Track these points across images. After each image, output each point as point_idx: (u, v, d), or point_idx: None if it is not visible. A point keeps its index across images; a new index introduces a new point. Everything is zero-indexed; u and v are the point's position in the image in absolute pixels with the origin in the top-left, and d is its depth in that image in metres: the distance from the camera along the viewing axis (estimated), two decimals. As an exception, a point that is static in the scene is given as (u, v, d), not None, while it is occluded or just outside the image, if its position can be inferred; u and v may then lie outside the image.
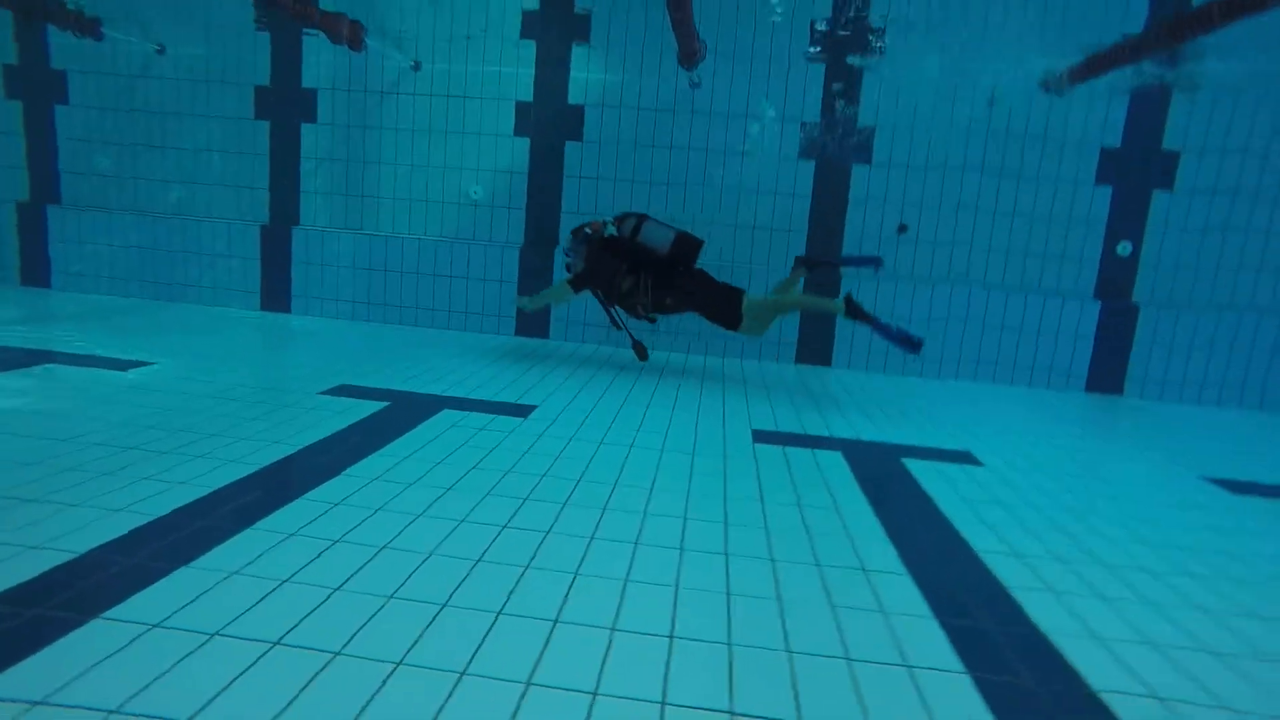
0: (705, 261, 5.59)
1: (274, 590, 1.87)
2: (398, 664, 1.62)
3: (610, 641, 1.79)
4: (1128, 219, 5.59)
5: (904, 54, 5.62)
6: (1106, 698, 1.72)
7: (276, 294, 6.32)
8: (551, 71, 5.86)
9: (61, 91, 6.39)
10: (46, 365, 4.01)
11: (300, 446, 2.99)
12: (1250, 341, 5.52)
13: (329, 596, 1.86)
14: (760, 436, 3.77)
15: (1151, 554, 2.63)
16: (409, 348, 5.30)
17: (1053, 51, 5.41)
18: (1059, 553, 2.58)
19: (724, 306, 4.77)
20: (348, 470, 2.76)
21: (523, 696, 1.56)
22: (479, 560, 2.14)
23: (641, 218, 4.85)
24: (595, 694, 1.59)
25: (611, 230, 4.87)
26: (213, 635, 1.67)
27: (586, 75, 5.84)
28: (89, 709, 1.42)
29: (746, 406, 4.38)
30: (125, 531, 2.13)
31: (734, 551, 2.38)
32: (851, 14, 5.60)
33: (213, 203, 6.39)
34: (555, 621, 1.85)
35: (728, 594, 2.09)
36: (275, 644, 1.65)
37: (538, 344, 5.88)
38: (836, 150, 5.77)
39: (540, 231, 6.05)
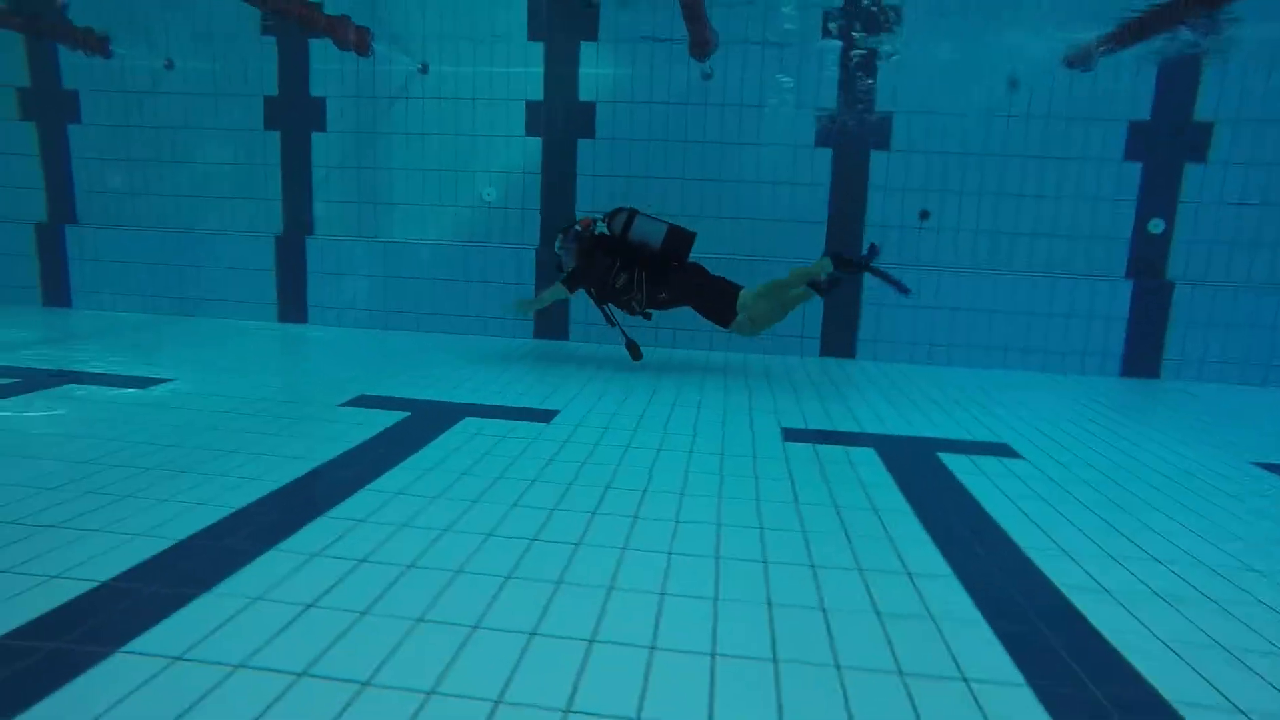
0: (723, 256, 5.50)
1: (298, 616, 1.81)
2: (429, 694, 1.54)
3: (650, 662, 1.70)
4: (1159, 195, 5.42)
5: (921, 36, 5.48)
6: (1186, 711, 1.61)
7: (293, 305, 6.30)
8: (561, 69, 5.78)
9: (74, 111, 6.40)
10: (68, 385, 3.99)
11: (321, 461, 2.93)
12: (1292, 318, 5.33)
13: (355, 622, 1.79)
14: (790, 435, 3.67)
15: (1209, 549, 2.51)
16: (427, 354, 5.24)
17: (1076, 25, 5.24)
18: (1112, 550, 2.46)
19: (718, 301, 4.70)
20: (370, 485, 2.69)
21: (561, 725, 1.48)
22: (509, 577, 2.06)
23: (632, 213, 4.77)
24: (637, 720, 1.51)
25: (602, 227, 4.79)
26: (236, 668, 1.60)
27: (596, 71, 5.75)
28: (110, 752, 1.36)
29: (774, 403, 4.28)
30: (146, 558, 2.08)
31: (772, 559, 2.28)
32: (865, -3, 5.47)
33: (226, 216, 6.37)
34: (591, 641, 1.77)
35: (769, 604, 2.00)
36: (301, 675, 1.58)
37: (557, 346, 5.80)
38: (854, 137, 5.64)
39: (555, 231, 5.97)
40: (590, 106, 5.78)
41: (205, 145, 6.32)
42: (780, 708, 1.56)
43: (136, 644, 1.67)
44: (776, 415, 4.04)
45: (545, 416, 3.74)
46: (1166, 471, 3.36)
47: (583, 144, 5.83)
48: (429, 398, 4.01)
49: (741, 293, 4.68)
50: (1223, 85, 5.25)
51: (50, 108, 6.41)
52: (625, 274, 4.77)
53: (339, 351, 5.32)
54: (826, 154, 5.69)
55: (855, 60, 5.56)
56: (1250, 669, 1.78)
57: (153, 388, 4.01)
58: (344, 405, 3.79)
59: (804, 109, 5.64)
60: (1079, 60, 5.31)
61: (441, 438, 3.30)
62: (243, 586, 1.93)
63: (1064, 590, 2.15)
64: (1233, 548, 2.52)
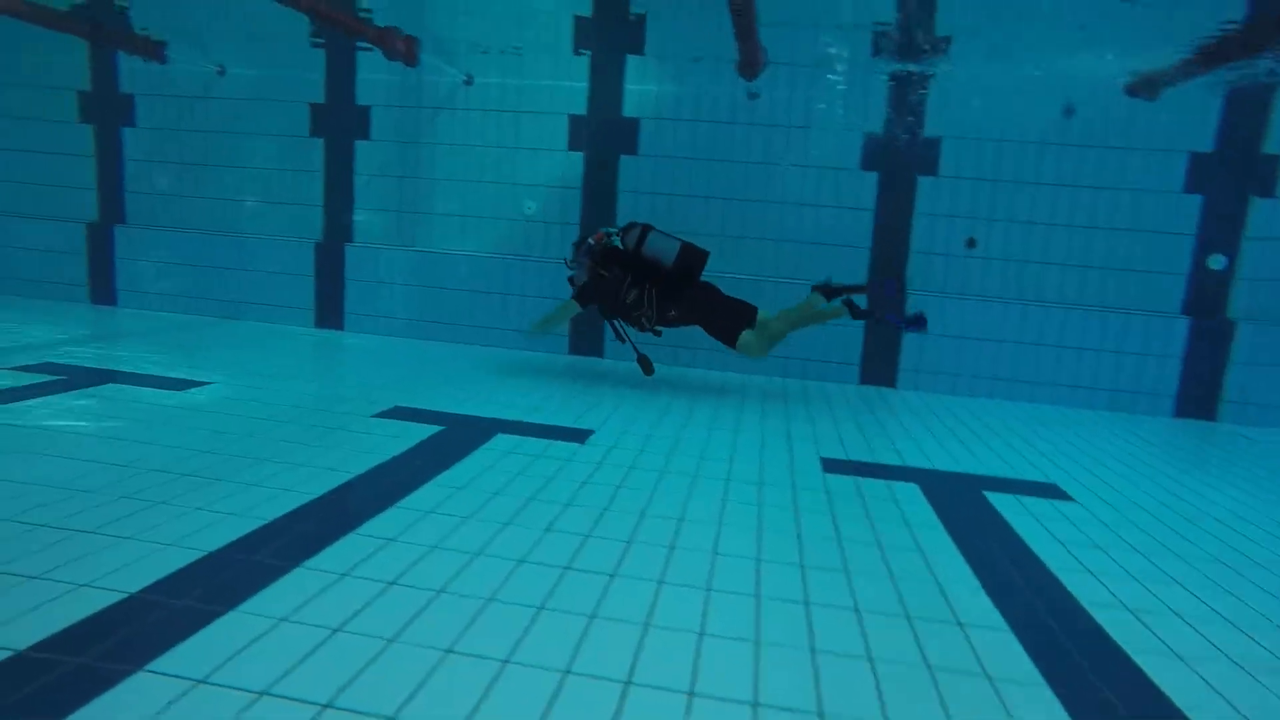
0: (764, 278, 5.43)
1: (325, 641, 1.75)
2: (458, 734, 1.47)
3: (689, 709, 1.61)
4: (1221, 229, 5.22)
5: (972, 61, 5.36)
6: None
7: (329, 311, 6.33)
8: (605, 84, 5.76)
9: (129, 114, 6.53)
10: (111, 385, 4.02)
11: (353, 474, 2.89)
12: (1360, 363, 5.09)
13: (383, 650, 1.73)
14: (830, 465, 3.56)
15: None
16: (462, 367, 5.22)
17: (1141, 51, 5.08)
18: (1179, 608, 2.31)
19: (726, 322, 4.64)
20: (401, 502, 2.64)
21: (595, 777, 1.39)
22: (541, 608, 1.99)
23: (646, 228, 4.71)
24: (676, 776, 1.42)
25: (615, 241, 4.73)
26: (260, 695, 1.54)
27: (641, 87, 5.72)
28: (128, 782, 1.30)
29: (812, 431, 4.17)
30: (175, 569, 2.04)
31: (814, 600, 2.18)
32: (917, 21, 5.37)
33: (268, 220, 6.44)
34: (627, 683, 1.68)
35: (812, 650, 1.90)
36: (325, 707, 1.52)
37: (591, 363, 5.75)
38: (901, 161, 5.53)
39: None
40: (634, 122, 5.75)
41: (251, 150, 6.40)
42: (829, 770, 1.46)
43: (160, 663, 1.62)
44: (815, 444, 3.93)
45: (579, 436, 3.67)
46: (1231, 522, 3.19)
47: (625, 160, 5.80)
48: (463, 412, 3.97)
49: (742, 336, 4.62)
50: (1295, 117, 5.05)
51: (108, 111, 6.56)
52: (636, 290, 4.71)
53: (374, 360, 5.32)
54: (872, 178, 5.58)
55: (904, 84, 5.46)
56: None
57: (191, 390, 4.02)
58: (378, 416, 3.76)
59: (851, 131, 5.55)
60: (1143, 88, 5.14)
61: (474, 454, 3.25)
62: (270, 606, 1.88)
63: (1132, 654, 2.02)
64: (1309, 611, 2.36)
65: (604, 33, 5.72)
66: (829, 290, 4.78)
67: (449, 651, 1.75)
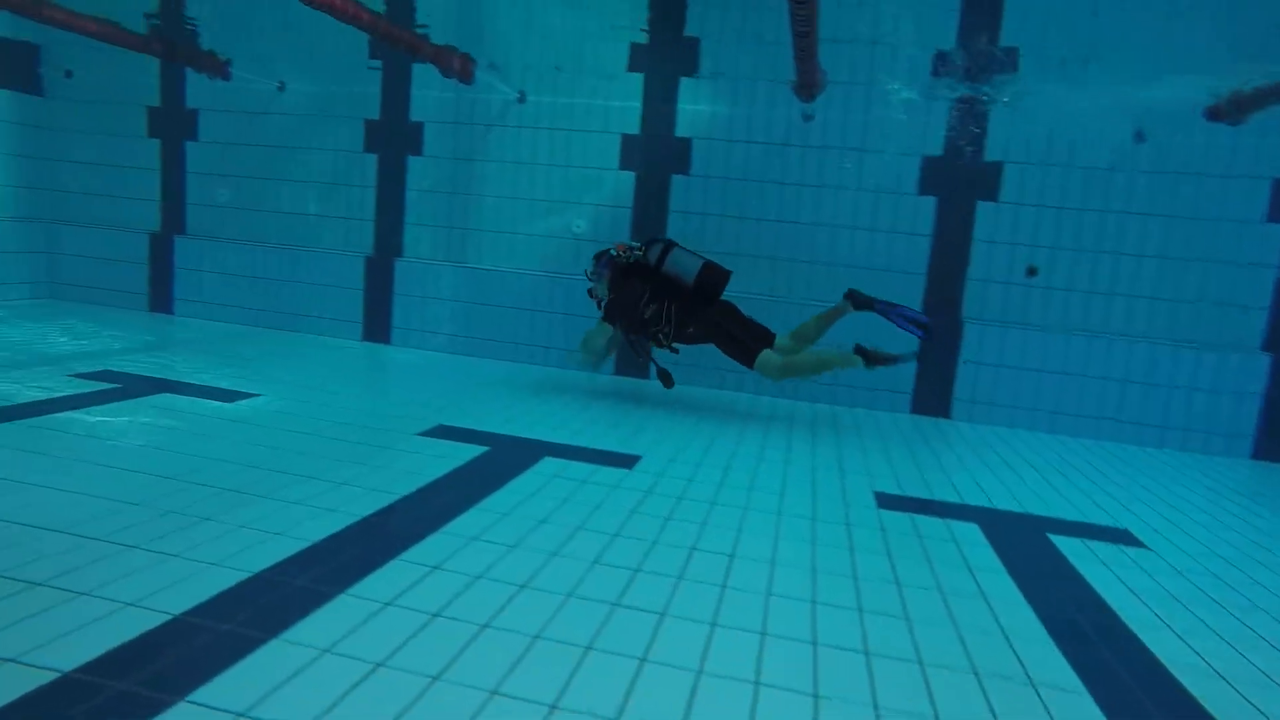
0: (814, 301, 5.32)
1: (367, 677, 1.69)
2: (503, 788, 1.39)
3: (746, 771, 1.51)
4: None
5: (1038, 83, 5.20)
6: None
7: (377, 325, 6.38)
8: (659, 104, 5.73)
9: (193, 129, 6.71)
10: (164, 394, 4.07)
11: (398, 496, 2.85)
12: None
13: (426, 689, 1.66)
14: (884, 501, 3.42)
15: (1395, 683, 2.15)
16: (508, 385, 5.19)
17: (1223, 71, 4.87)
18: (1268, 668, 2.13)
19: (745, 342, 4.59)
20: (446, 527, 2.59)
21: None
22: (589, 648, 1.90)
23: (669, 244, 4.66)
24: None
25: (638, 255, 4.66)
26: (301, 734, 1.49)
27: (695, 107, 5.68)
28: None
29: (865, 463, 4.03)
30: (220, 590, 2.01)
31: (875, 650, 2.06)
32: (980, 41, 5.24)
33: (321, 234, 6.54)
34: (680, 738, 1.59)
35: (875, 707, 1.78)
36: (368, 750, 1.46)
37: (637, 385, 5.67)
38: (960, 186, 5.38)
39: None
40: (686, 142, 5.70)
41: (307, 164, 6.51)
42: None
43: (202, 693, 1.57)
44: (869, 477, 3.79)
45: (627, 461, 3.59)
46: (1323, 579, 2.97)
47: (676, 180, 5.75)
48: (508, 432, 3.93)
49: (759, 357, 4.55)
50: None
51: (174, 126, 6.75)
52: (655, 305, 4.65)
53: (420, 376, 5.33)
54: (930, 203, 5.43)
55: (965, 106, 5.31)
56: None
57: (240, 401, 4.05)
58: (423, 435, 3.73)
59: (909, 155, 5.41)
60: (1228, 112, 4.90)
61: (520, 478, 3.19)
62: (313, 635, 1.83)
63: (1224, 725, 1.85)
64: None
65: (658, 53, 5.69)
66: (857, 299, 4.71)
67: (494, 693, 1.67)
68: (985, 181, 5.35)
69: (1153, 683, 2.04)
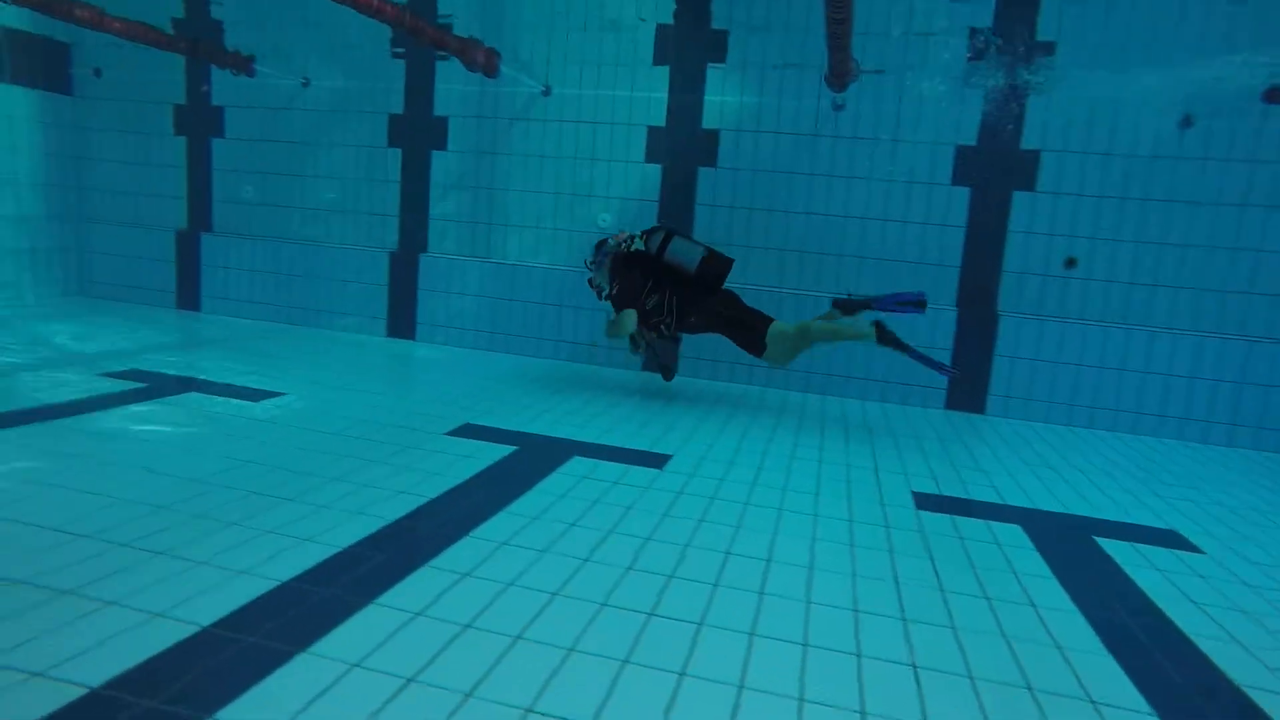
0: (839, 296, 5.20)
1: (398, 693, 1.63)
2: (542, 816, 1.33)
3: (795, 799, 1.43)
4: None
5: (1077, 68, 5.02)
6: None
7: (402, 321, 6.36)
8: (685, 95, 5.62)
9: (219, 126, 6.72)
10: (191, 393, 4.07)
11: (426, 498, 2.81)
12: None
13: (459, 707, 1.60)
14: (922, 501, 3.32)
15: None
16: (533, 380, 5.13)
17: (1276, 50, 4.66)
18: (1351, 693, 2.01)
19: (749, 333, 4.50)
20: (475, 532, 2.53)
21: None
22: (625, 661, 1.84)
23: (669, 233, 4.58)
24: None
25: (639, 244, 4.58)
26: (332, 755, 1.43)
27: (722, 98, 5.56)
28: None
29: (900, 462, 3.92)
30: (247, 600, 1.97)
31: (923, 663, 1.97)
32: (1017, 26, 5.06)
33: (345, 230, 6.52)
34: (724, 762, 1.52)
35: (926, 728, 1.70)
36: (400, 773, 1.40)
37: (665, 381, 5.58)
38: (995, 176, 5.22)
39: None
40: (714, 134, 5.59)
41: (331, 160, 6.50)
42: None
43: (227, 712, 1.53)
44: (905, 476, 3.68)
45: (658, 461, 3.52)
46: (1391, 587, 2.82)
47: (703, 172, 5.64)
48: (536, 431, 3.87)
49: (771, 328, 4.45)
50: None
51: (200, 123, 6.76)
52: (656, 295, 4.58)
53: (445, 372, 5.29)
54: (964, 193, 5.28)
55: (1001, 94, 5.15)
56: None
57: (266, 400, 4.04)
58: (450, 434, 3.68)
59: (942, 144, 5.26)
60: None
61: (549, 479, 3.13)
62: (341, 648, 1.78)
63: (1302, 749, 1.75)
64: None
65: (685, 43, 5.58)
66: (848, 305, 4.50)
67: (528, 711, 1.61)
68: (1022, 170, 5.19)
69: (1226, 705, 1.93)
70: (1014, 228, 5.26)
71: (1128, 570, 2.78)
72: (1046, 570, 2.70)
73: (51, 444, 3.10)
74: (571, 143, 5.89)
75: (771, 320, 4.55)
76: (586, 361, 5.90)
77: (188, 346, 5.37)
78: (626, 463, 3.45)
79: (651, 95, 5.68)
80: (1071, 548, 2.97)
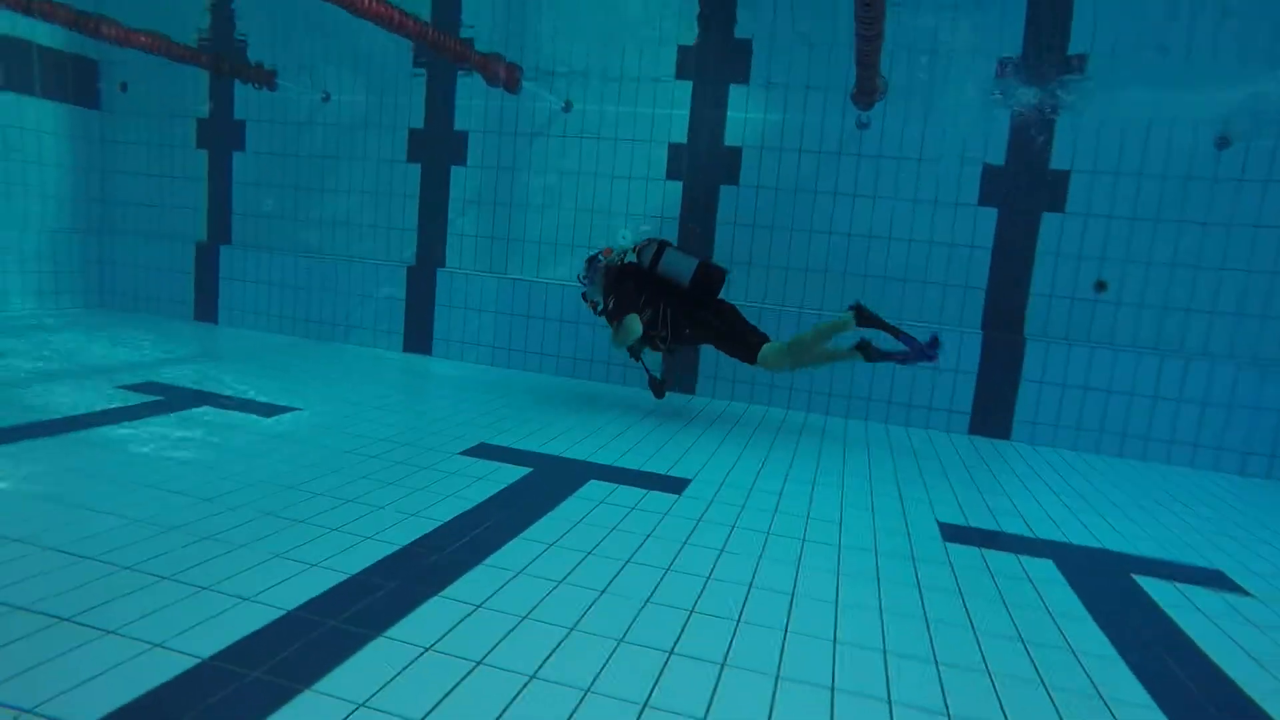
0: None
1: (406, 737, 1.55)
2: None
3: None
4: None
5: (1108, 87, 4.92)
6: None
7: (418, 336, 6.32)
8: (707, 112, 5.57)
9: (240, 139, 6.75)
10: (206, 407, 4.03)
11: (439, 522, 2.73)
12: None
13: (470, 754, 1.52)
14: (949, 533, 3.19)
15: None
16: (550, 399, 5.06)
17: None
18: None
19: (743, 340, 4.48)
20: (489, 559, 2.45)
21: None
22: (645, 705, 1.74)
23: (663, 245, 4.54)
24: None
25: (631, 257, 4.53)
26: (333, 807, 1.35)
27: (745, 115, 5.50)
28: None
29: (925, 490, 3.80)
30: (252, 630, 1.89)
31: (957, 712, 1.86)
32: (1047, 43, 4.97)
33: (364, 244, 6.51)
34: (750, 823, 1.41)
35: (966, 786, 1.58)
36: (405, 830, 1.31)
37: (683, 401, 5.49)
38: (1023, 196, 5.11)
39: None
40: (736, 151, 5.53)
41: (350, 174, 6.50)
42: None
43: (228, 754, 1.45)
44: (930, 505, 3.56)
45: (676, 486, 3.42)
46: None
47: (725, 190, 5.57)
48: (552, 452, 3.79)
49: (764, 348, 4.42)
50: None
51: (222, 137, 6.80)
52: (651, 309, 4.51)
53: (461, 389, 5.22)
54: (991, 214, 5.18)
55: (1030, 112, 5.05)
56: None
57: (280, 415, 3.99)
58: (464, 453, 3.61)
59: (969, 164, 5.16)
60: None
61: (566, 503, 3.04)
62: (347, 686, 1.70)
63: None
64: None
65: (707, 59, 5.54)
66: (864, 315, 4.37)
67: (542, 760, 1.52)
68: (1051, 191, 5.08)
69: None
70: (1042, 249, 5.14)
71: (1170, 613, 2.64)
72: (1083, 611, 2.58)
73: (63, 458, 3.06)
74: (592, 159, 5.85)
75: (766, 339, 4.52)
76: (603, 380, 5.82)
77: (203, 359, 5.35)
78: (645, 487, 3.35)
79: (673, 112, 5.63)
80: (1109, 587, 2.84)
